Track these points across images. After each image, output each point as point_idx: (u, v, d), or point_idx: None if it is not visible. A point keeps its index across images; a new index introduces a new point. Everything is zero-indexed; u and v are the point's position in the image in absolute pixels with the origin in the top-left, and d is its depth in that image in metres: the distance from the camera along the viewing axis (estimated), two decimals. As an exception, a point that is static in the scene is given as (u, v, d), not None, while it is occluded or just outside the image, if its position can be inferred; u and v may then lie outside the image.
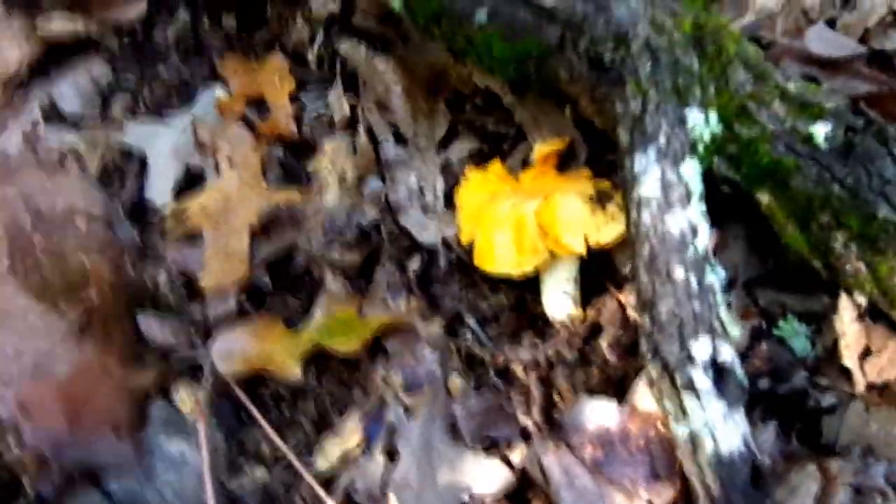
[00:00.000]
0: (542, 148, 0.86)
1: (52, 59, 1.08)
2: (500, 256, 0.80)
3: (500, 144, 0.96)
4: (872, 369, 0.79)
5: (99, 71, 1.08)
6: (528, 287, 0.87)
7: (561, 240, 0.76)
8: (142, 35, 1.11)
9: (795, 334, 0.82)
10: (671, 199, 0.67)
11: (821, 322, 0.82)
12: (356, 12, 1.02)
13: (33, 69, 1.07)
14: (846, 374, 0.80)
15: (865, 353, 0.80)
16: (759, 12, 0.88)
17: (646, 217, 0.68)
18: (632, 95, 0.70)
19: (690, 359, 0.65)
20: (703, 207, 0.68)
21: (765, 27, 0.85)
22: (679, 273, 0.66)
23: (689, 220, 0.67)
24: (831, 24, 0.89)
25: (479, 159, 0.94)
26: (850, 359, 0.80)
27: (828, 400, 0.79)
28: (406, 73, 0.96)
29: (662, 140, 0.68)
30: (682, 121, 0.69)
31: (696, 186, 0.68)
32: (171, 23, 1.11)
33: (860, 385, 0.79)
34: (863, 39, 0.85)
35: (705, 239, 0.68)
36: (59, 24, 1.08)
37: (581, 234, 0.75)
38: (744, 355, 0.83)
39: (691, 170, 0.68)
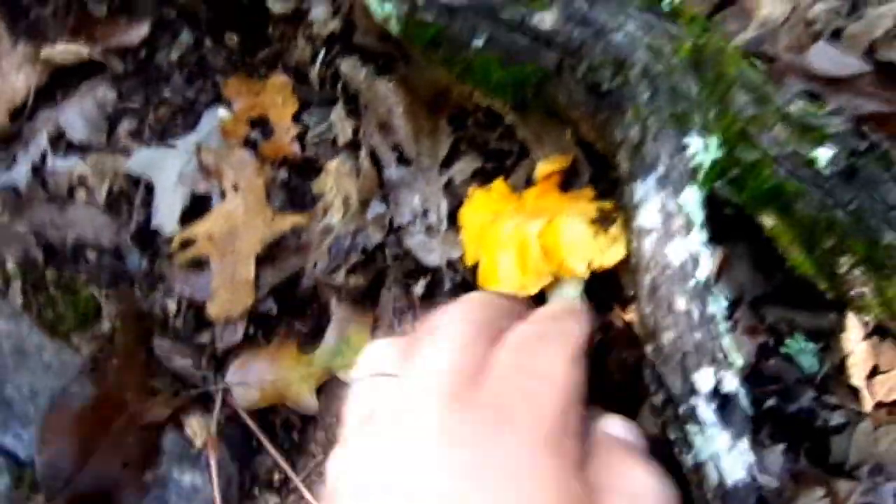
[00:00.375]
0: (545, 167, 0.86)
1: (59, 84, 1.09)
2: (505, 278, 0.80)
3: (503, 161, 0.96)
4: (881, 388, 0.79)
5: (104, 95, 1.08)
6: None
7: (564, 264, 0.76)
8: (146, 57, 1.11)
9: (803, 352, 0.82)
10: (672, 228, 0.67)
11: (829, 339, 0.82)
12: (357, 31, 1.01)
13: (40, 96, 1.08)
14: (854, 392, 0.80)
15: (874, 372, 0.80)
16: (764, 24, 0.87)
17: (646, 247, 0.67)
18: (630, 122, 0.70)
19: (694, 390, 0.65)
20: (705, 236, 0.68)
21: (768, 42, 0.84)
22: (681, 304, 0.66)
23: (689, 250, 0.67)
24: (837, 33, 0.87)
25: (482, 177, 0.94)
26: (858, 378, 0.79)
27: (836, 419, 0.79)
28: (408, 93, 0.95)
29: (662, 169, 0.68)
30: (681, 148, 0.68)
31: (697, 215, 0.68)
32: (174, 44, 1.12)
33: (868, 404, 0.79)
34: (870, 50, 0.83)
35: (707, 268, 0.67)
36: (64, 51, 1.09)
37: (584, 258, 0.75)
38: (752, 373, 0.83)
39: (692, 198, 0.68)
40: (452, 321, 0.59)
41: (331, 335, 0.86)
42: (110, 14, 1.13)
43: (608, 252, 0.77)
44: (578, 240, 0.77)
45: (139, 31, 1.11)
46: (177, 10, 1.13)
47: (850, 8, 0.89)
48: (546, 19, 0.73)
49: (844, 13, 0.89)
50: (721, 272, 0.84)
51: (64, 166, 1.00)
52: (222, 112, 1.04)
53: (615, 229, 0.77)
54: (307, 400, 0.82)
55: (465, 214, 0.88)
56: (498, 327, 0.60)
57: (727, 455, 0.65)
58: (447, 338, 0.57)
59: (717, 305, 0.67)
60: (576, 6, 0.73)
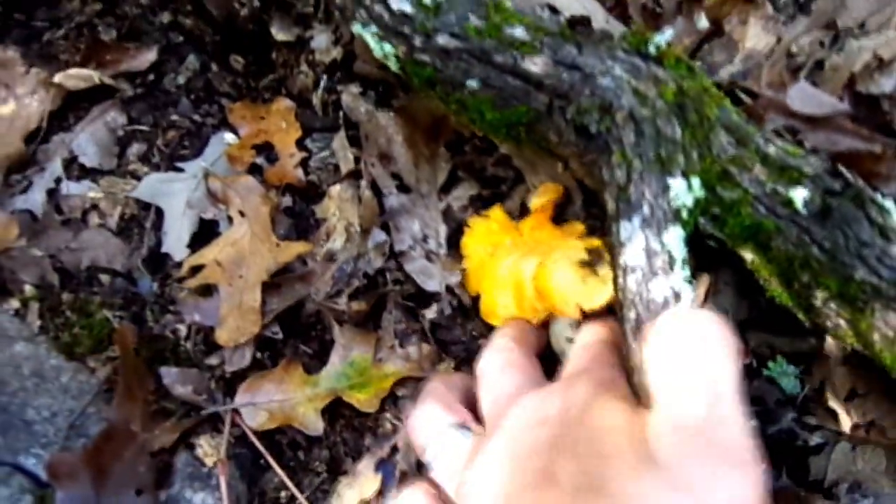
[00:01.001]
0: (538, 200, 0.89)
1: (71, 108, 1.13)
2: (504, 315, 0.85)
3: (500, 186, 0.99)
4: (858, 410, 0.83)
5: (115, 119, 1.12)
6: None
7: (556, 308, 0.80)
8: (154, 81, 1.15)
9: (784, 374, 0.86)
10: (655, 266, 0.71)
11: (809, 362, 0.86)
12: (358, 59, 1.05)
13: (53, 120, 1.11)
14: (833, 413, 0.84)
15: (852, 395, 0.83)
16: (749, 57, 0.90)
17: (631, 284, 0.71)
18: (617, 164, 0.73)
19: (675, 421, 0.69)
20: (687, 273, 0.71)
21: (752, 76, 0.87)
22: (663, 339, 0.70)
23: (672, 286, 0.70)
24: (820, 64, 0.90)
25: (480, 203, 0.98)
26: (835, 400, 0.83)
27: (815, 439, 0.83)
28: (407, 122, 0.99)
29: (646, 209, 0.72)
30: (665, 189, 0.72)
31: (679, 253, 0.71)
32: (181, 68, 1.15)
33: (846, 425, 0.83)
34: (850, 83, 0.86)
35: (688, 303, 0.71)
36: (77, 76, 1.12)
37: (573, 303, 0.79)
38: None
39: (674, 238, 0.71)
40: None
41: (335, 358, 0.90)
42: (119, 39, 1.17)
43: (597, 295, 0.81)
44: (567, 285, 0.81)
45: (148, 56, 1.15)
46: (184, 35, 1.17)
47: (832, 40, 0.93)
48: (537, 63, 0.77)
49: (827, 44, 0.92)
50: (707, 298, 0.88)
51: (77, 191, 1.04)
52: (228, 137, 1.08)
53: (604, 269, 0.81)
54: (313, 421, 0.86)
55: (467, 244, 0.92)
56: None
57: (706, 481, 0.70)
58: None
59: (698, 339, 0.71)
60: (565, 51, 0.76)
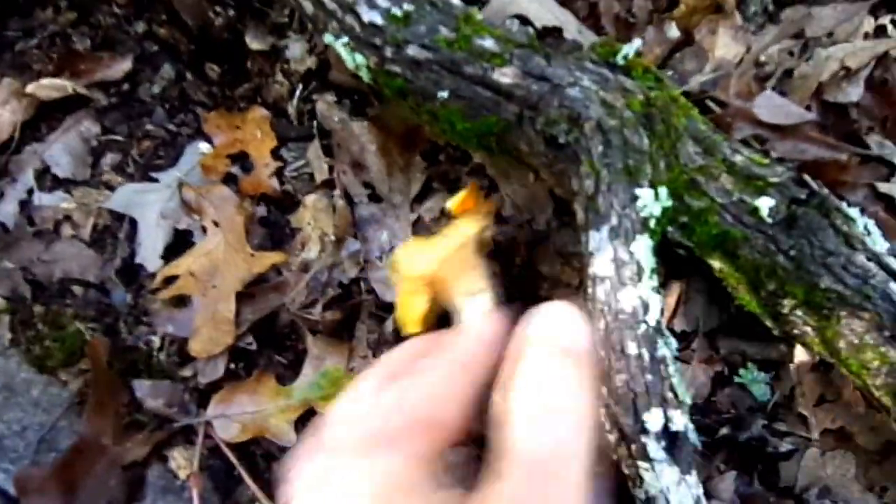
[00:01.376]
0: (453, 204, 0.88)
1: (44, 118, 1.13)
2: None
3: (475, 195, 1.00)
4: (827, 416, 0.84)
5: (88, 128, 1.12)
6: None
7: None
8: (129, 90, 1.15)
9: (755, 381, 0.87)
10: (623, 276, 0.71)
11: (779, 369, 0.87)
12: (332, 69, 1.05)
13: (26, 130, 1.11)
14: (803, 419, 0.85)
15: (821, 401, 0.84)
16: (719, 66, 0.91)
17: (600, 294, 0.72)
18: (585, 174, 0.74)
19: (644, 430, 0.69)
20: (655, 282, 0.72)
21: (721, 85, 0.88)
22: (632, 348, 0.70)
23: (640, 296, 0.71)
24: (790, 72, 0.91)
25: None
26: (805, 407, 0.84)
27: (785, 446, 0.84)
28: (381, 131, 0.99)
29: (615, 219, 0.72)
30: (633, 199, 0.72)
31: (648, 263, 0.72)
32: (156, 77, 1.15)
33: (815, 431, 0.84)
34: (818, 92, 0.87)
35: (657, 313, 0.72)
36: (50, 85, 1.12)
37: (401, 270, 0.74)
38: (707, 401, 0.88)
39: (643, 247, 0.72)
40: None
41: (308, 369, 0.90)
42: (93, 48, 1.17)
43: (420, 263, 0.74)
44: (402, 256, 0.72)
45: (122, 66, 1.15)
46: (159, 45, 1.17)
47: (801, 49, 0.94)
48: (506, 74, 0.77)
49: (796, 53, 0.93)
50: (678, 306, 0.89)
51: (50, 202, 1.03)
52: (203, 146, 1.08)
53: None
54: (286, 432, 0.86)
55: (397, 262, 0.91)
56: None
57: (676, 489, 0.70)
58: None
59: (667, 348, 0.72)
60: (534, 62, 0.77)
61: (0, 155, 1.08)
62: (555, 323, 0.42)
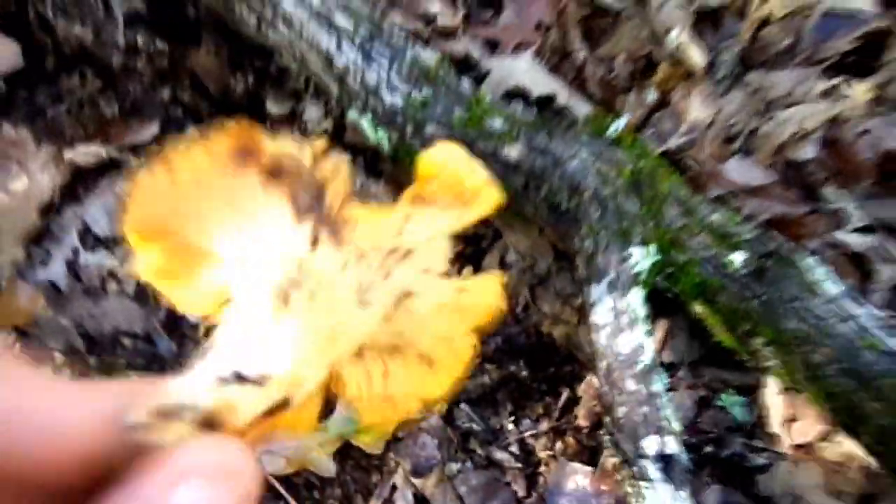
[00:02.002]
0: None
1: (79, 181, 1.23)
2: None
3: (480, 243, 1.12)
4: (797, 433, 0.97)
5: (123, 190, 1.22)
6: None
7: None
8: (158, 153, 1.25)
9: (735, 404, 0.99)
10: (621, 324, 0.83)
11: (755, 393, 1.00)
12: (347, 131, 1.16)
13: (64, 194, 1.21)
14: (776, 437, 0.98)
15: (791, 420, 0.97)
16: (693, 127, 1.04)
17: (602, 339, 0.84)
18: (585, 236, 0.86)
19: (643, 454, 0.82)
20: (648, 327, 0.84)
21: (696, 146, 1.01)
22: (630, 384, 0.83)
23: (636, 340, 0.83)
24: (755, 132, 1.04)
25: (462, 260, 1.10)
26: (777, 425, 0.97)
27: (761, 460, 0.97)
28: (395, 188, 1.11)
29: (612, 274, 0.85)
30: (626, 258, 0.85)
31: (641, 311, 0.84)
32: (181, 140, 1.25)
33: (787, 446, 0.97)
34: (779, 150, 1.00)
35: (650, 353, 0.84)
36: (86, 152, 1.22)
37: None
38: (692, 423, 1.01)
39: (636, 298, 0.84)
40: None
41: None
42: (122, 114, 1.27)
43: None
44: None
45: (150, 130, 1.25)
46: (182, 109, 1.28)
47: (765, 108, 1.07)
48: (514, 151, 0.89)
49: (762, 111, 1.06)
50: (665, 341, 1.02)
51: (94, 260, 1.13)
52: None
53: None
54: (325, 464, 0.97)
55: None
56: None
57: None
58: None
59: (660, 383, 0.84)
60: (538, 140, 0.89)
61: (43, 217, 1.18)
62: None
